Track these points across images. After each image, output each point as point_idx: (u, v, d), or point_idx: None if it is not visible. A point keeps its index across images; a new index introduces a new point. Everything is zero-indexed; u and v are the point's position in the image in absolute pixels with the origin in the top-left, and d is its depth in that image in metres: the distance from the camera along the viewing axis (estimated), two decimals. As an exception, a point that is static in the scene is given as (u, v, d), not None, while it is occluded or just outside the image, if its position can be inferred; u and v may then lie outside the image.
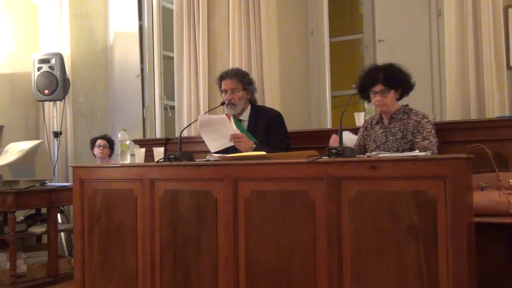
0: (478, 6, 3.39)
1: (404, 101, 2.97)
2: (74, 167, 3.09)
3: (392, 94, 2.83)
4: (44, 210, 4.45)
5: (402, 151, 2.72)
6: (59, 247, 4.53)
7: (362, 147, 3.03)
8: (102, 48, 5.64)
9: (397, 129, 2.84)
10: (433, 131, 2.78)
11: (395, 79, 2.83)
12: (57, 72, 4.87)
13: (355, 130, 3.42)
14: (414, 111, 2.85)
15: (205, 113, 3.85)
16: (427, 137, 2.74)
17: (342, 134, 2.32)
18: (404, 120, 2.83)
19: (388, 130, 2.87)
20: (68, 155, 5.28)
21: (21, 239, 4.43)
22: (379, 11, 4.67)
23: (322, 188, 2.20)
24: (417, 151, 2.47)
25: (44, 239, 4.64)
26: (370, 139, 2.97)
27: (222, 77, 3.35)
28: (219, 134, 3.05)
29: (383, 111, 2.90)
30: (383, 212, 2.07)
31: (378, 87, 2.82)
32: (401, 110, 2.86)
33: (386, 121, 2.91)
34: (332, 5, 4.82)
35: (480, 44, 3.39)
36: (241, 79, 3.31)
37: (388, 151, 2.81)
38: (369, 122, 3.04)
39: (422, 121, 2.78)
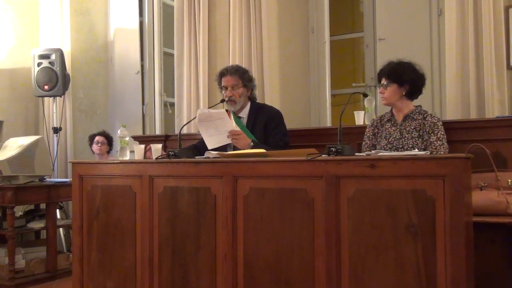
0: (479, 6, 3.39)
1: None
2: (73, 163, 3.09)
3: (393, 88, 2.89)
4: (43, 206, 4.45)
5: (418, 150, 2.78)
6: (58, 243, 4.54)
7: (373, 148, 3.02)
8: (102, 44, 5.64)
9: (412, 127, 2.89)
10: (445, 136, 2.84)
11: (398, 74, 2.88)
12: (57, 68, 4.87)
13: (354, 129, 3.44)
14: (429, 113, 2.92)
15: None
16: (441, 138, 2.81)
17: (341, 132, 2.32)
18: (420, 121, 2.88)
19: (403, 128, 2.91)
20: (68, 151, 5.28)
21: (20, 234, 4.44)
22: (380, 10, 4.67)
23: (321, 186, 2.20)
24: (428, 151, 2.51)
25: (43, 235, 4.65)
26: (381, 136, 2.99)
27: (222, 74, 3.34)
28: (217, 130, 3.05)
29: (384, 104, 2.98)
30: (381, 210, 2.07)
31: (383, 80, 2.94)
32: (417, 111, 2.93)
33: (399, 119, 2.95)
34: (333, 3, 4.82)
35: (481, 44, 3.39)
36: (242, 76, 3.30)
37: (402, 147, 2.85)
38: (378, 121, 3.06)
39: (438, 123, 2.86)
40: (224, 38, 4.55)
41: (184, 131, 4.22)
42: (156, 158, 2.82)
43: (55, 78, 4.87)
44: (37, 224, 4.29)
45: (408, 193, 2.02)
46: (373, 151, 2.51)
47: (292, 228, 2.27)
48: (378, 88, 3.04)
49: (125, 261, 2.79)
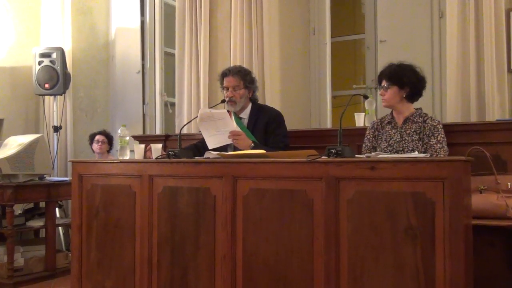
0: (480, 9, 3.39)
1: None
2: (73, 162, 3.09)
3: (394, 90, 2.89)
4: (42, 204, 4.45)
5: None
6: (57, 242, 4.53)
7: (373, 150, 3.02)
8: (104, 44, 5.64)
9: (413, 130, 2.88)
10: (445, 139, 2.83)
11: (399, 76, 2.88)
12: (58, 67, 4.87)
13: (354, 131, 3.44)
14: (429, 116, 2.92)
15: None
16: (441, 141, 2.81)
17: (341, 134, 2.32)
18: (420, 123, 2.88)
19: (403, 131, 2.91)
20: (68, 150, 5.28)
21: (19, 232, 4.44)
22: (381, 12, 4.68)
23: (321, 187, 2.20)
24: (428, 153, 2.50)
25: (42, 233, 4.65)
26: (381, 139, 2.99)
27: (224, 74, 3.34)
28: (219, 130, 3.04)
29: (385, 106, 2.98)
30: (381, 212, 2.07)
31: (383, 82, 2.93)
32: (417, 114, 2.93)
33: (399, 122, 2.95)
34: (334, 5, 4.82)
35: (482, 47, 3.39)
36: (244, 77, 3.30)
37: (402, 150, 2.85)
38: (378, 123, 3.06)
39: (438, 126, 2.85)
40: (225, 39, 4.56)
41: (185, 131, 4.22)
42: (156, 158, 2.82)
43: (56, 77, 4.87)
44: (36, 223, 4.29)
45: (407, 196, 2.02)
46: (373, 153, 2.51)
47: (292, 229, 2.27)
48: (378, 90, 3.03)
49: (124, 261, 2.79)
